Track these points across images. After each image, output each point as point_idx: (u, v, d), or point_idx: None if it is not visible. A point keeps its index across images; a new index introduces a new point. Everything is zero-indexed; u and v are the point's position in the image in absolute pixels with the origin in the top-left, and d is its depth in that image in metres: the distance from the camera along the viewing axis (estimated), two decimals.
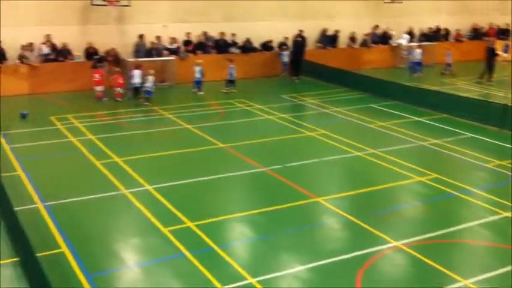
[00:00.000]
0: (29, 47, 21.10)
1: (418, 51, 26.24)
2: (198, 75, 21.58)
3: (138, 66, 20.54)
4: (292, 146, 15.40)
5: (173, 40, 23.81)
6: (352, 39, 28.03)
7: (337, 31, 27.50)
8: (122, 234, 10.01)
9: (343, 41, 27.92)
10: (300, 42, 25.16)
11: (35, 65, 20.92)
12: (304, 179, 12.69)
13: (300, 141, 15.83)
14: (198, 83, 21.64)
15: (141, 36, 23.04)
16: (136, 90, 20.29)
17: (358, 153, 14.46)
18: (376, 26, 28.73)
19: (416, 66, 26.10)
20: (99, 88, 20.26)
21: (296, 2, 26.85)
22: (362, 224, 10.29)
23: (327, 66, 24.42)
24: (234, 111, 19.33)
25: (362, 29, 28.30)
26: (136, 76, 20.17)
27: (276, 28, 25.96)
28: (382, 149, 14.68)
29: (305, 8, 27.18)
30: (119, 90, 20.09)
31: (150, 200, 11.23)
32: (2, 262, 8.66)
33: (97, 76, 20.30)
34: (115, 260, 9.08)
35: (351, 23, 28.19)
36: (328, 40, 27.42)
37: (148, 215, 10.50)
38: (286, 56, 25.13)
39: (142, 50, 22.96)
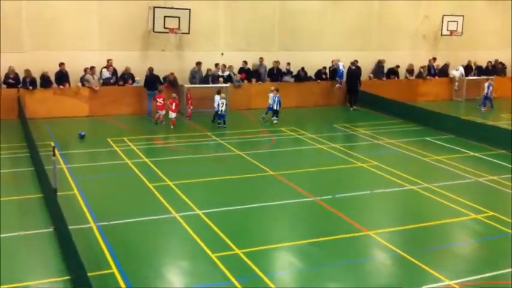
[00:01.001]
0: (91, 70, 21.91)
1: (486, 84, 25.49)
2: (271, 101, 21.75)
3: (218, 91, 21.13)
4: (343, 177, 15.25)
5: (229, 68, 24.23)
6: (409, 71, 27.74)
7: (397, 66, 27.32)
8: (170, 257, 10.10)
9: (400, 72, 27.67)
10: (353, 70, 25.14)
11: (95, 88, 21.70)
12: (354, 211, 12.49)
13: (351, 172, 15.65)
14: (270, 109, 21.79)
15: (198, 63, 23.57)
16: (216, 114, 20.93)
17: (412, 187, 14.13)
18: (434, 59, 28.33)
19: (486, 100, 25.33)
20: (161, 112, 20.68)
21: (353, 33, 26.96)
22: (413, 260, 9.98)
23: (381, 96, 24.25)
24: (286, 139, 19.36)
25: (419, 61, 27.99)
26: (216, 100, 20.75)
27: (331, 58, 26.04)
28: (437, 184, 14.30)
29: (362, 40, 27.24)
30: (173, 116, 20.45)
31: (200, 224, 11.31)
32: (54, 280, 8.89)
33: (160, 100, 20.80)
34: (163, 282, 9.16)
35: (408, 53, 27.99)
36: (384, 71, 27.26)
37: (197, 239, 10.57)
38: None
39: (198, 76, 23.46)
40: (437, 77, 28.03)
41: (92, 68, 21.93)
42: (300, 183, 14.05)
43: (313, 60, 25.71)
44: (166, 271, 9.56)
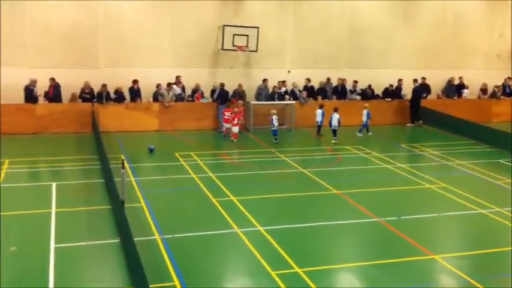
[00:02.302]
0: (168, 86, 22.57)
1: None
2: (364, 118, 22.16)
3: (321, 106, 21.81)
4: (409, 198, 14.84)
5: (295, 85, 24.31)
6: (483, 90, 26.81)
7: (466, 85, 26.54)
8: (231, 273, 10.17)
9: (472, 91, 26.81)
10: (417, 88, 24.79)
11: (166, 104, 22.34)
12: (420, 234, 12.10)
13: (418, 193, 15.20)
14: (365, 126, 22.27)
15: (264, 80, 23.84)
16: (319, 128, 21.69)
17: (482, 211, 13.55)
18: (510, 78, 27.23)
19: None
20: (227, 125, 21.26)
21: (423, 51, 26.48)
22: None
23: (451, 116, 23.54)
24: (351, 157, 19.12)
25: (493, 80, 27.01)
26: (319, 115, 21.61)
27: (399, 76, 25.62)
28: (509, 208, 13.63)
29: (433, 58, 26.66)
30: (234, 130, 20.79)
31: (261, 241, 11.33)
32: None
33: (227, 114, 21.28)
34: None
35: (481, 72, 27.13)
36: (454, 90, 26.50)
37: (258, 256, 10.58)
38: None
39: (264, 93, 23.69)
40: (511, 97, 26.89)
41: (169, 84, 22.62)
42: (364, 203, 13.81)
43: (381, 78, 25.40)
44: (226, 286, 9.62)
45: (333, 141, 20.73)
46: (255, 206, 13.45)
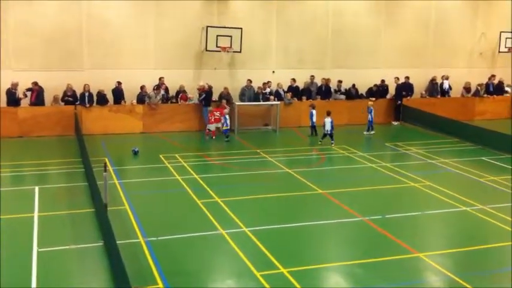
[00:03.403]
0: (157, 89, 22.51)
1: None
2: (370, 116, 22.67)
3: (313, 106, 22.10)
4: (394, 197, 14.90)
5: (278, 85, 24.31)
6: (467, 89, 27.04)
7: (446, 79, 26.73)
8: (216, 274, 10.11)
9: (455, 90, 27.03)
10: (399, 85, 25.08)
11: (154, 106, 22.20)
12: (405, 232, 12.15)
13: (403, 192, 15.28)
14: (370, 124, 22.67)
15: (249, 81, 23.82)
16: (313, 128, 21.90)
17: (466, 208, 13.64)
18: (493, 76, 27.50)
19: None
20: (216, 125, 21.59)
21: (407, 51, 26.66)
22: (466, 285, 9.58)
23: (435, 114, 23.71)
24: (336, 157, 19.17)
25: (476, 78, 27.28)
26: (314, 115, 21.89)
27: (384, 75, 25.77)
28: (492, 205, 13.74)
29: (417, 57, 26.86)
30: (212, 128, 21.29)
31: (246, 242, 11.29)
32: None
33: (217, 114, 21.59)
34: None
35: (465, 71, 27.40)
36: (438, 89, 26.70)
37: (243, 257, 10.54)
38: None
39: (248, 94, 23.67)
40: (495, 95, 27.14)
41: (158, 87, 22.52)
42: (349, 203, 13.84)
43: (366, 78, 25.52)
44: None
45: (320, 142, 20.74)
46: (240, 207, 13.41)
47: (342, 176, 16.90)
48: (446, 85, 26.61)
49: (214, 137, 21.26)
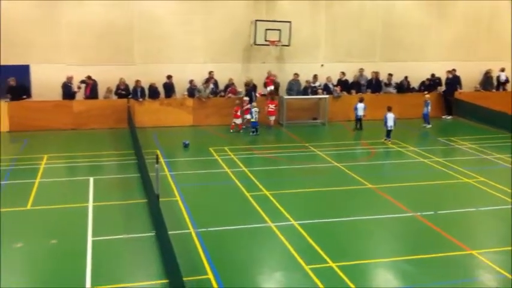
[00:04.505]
0: (206, 82, 22.77)
1: None
2: (426, 109, 22.51)
3: (361, 99, 21.81)
4: (446, 192, 14.57)
5: (328, 79, 24.15)
6: None
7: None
8: (265, 267, 10.18)
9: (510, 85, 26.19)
10: (449, 79, 24.47)
11: (204, 99, 22.50)
12: (457, 229, 11.89)
13: (456, 187, 14.92)
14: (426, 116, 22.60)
15: (296, 75, 23.77)
16: (359, 122, 21.80)
17: None
18: None
19: None
20: (272, 118, 21.99)
21: (459, 44, 25.92)
22: None
23: (489, 109, 22.99)
24: (386, 151, 18.90)
25: None
26: (360, 109, 21.72)
27: (435, 69, 25.20)
28: None
29: (468, 50, 26.09)
30: (237, 121, 21.44)
31: (295, 235, 11.31)
32: (153, 282, 9.28)
33: (272, 106, 21.92)
34: None
35: None
36: (492, 82, 25.92)
37: (292, 250, 10.58)
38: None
39: (295, 88, 23.62)
40: None
41: (208, 80, 22.81)
42: (399, 198, 13.63)
43: (416, 72, 25.02)
44: (260, 280, 9.64)
45: (385, 140, 19.85)
46: (289, 200, 13.44)
47: (392, 171, 16.67)
48: (503, 77, 25.83)
49: (241, 130, 21.43)
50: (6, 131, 20.71)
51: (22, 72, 21.68)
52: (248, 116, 21.34)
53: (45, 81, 21.68)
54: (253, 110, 21.14)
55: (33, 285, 9.12)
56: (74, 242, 10.80)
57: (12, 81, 21.16)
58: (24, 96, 21.40)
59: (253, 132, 21.05)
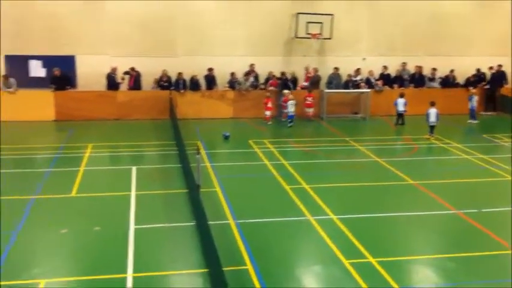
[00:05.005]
0: (247, 75, 22.89)
1: None
2: (472, 104, 22.17)
3: (402, 95, 21.56)
4: (491, 190, 14.21)
5: (370, 73, 23.87)
6: None
7: None
8: (303, 260, 10.17)
9: None
10: (494, 75, 23.84)
11: (243, 92, 22.62)
12: (502, 228, 11.56)
13: (500, 185, 14.52)
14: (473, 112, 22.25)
15: (336, 69, 23.59)
16: (400, 117, 21.41)
17: None
18: None
19: None
20: (310, 110, 21.98)
21: (506, 40, 25.19)
22: None
23: None
24: (429, 147, 18.57)
25: None
26: (400, 104, 21.39)
27: (480, 64, 24.57)
28: None
29: None
30: (267, 113, 21.63)
31: (334, 229, 11.26)
32: (193, 271, 9.41)
33: (310, 99, 21.90)
34: (294, 283, 9.23)
35: None
36: None
37: (331, 244, 10.53)
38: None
39: (335, 82, 23.46)
40: None
41: (248, 73, 22.88)
42: (442, 195, 13.38)
43: (460, 66, 24.46)
44: (298, 273, 9.64)
45: (428, 136, 19.49)
46: (328, 194, 13.37)
47: (435, 167, 16.37)
48: None
49: (270, 122, 21.65)
50: (52, 120, 21.34)
51: (68, 63, 22.28)
52: (290, 109, 21.34)
53: (90, 72, 22.22)
54: (290, 102, 21.11)
55: (76, 271, 9.38)
56: (117, 230, 11.03)
57: (56, 72, 21.75)
58: (68, 87, 21.96)
59: (290, 123, 21.12)
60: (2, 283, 8.76)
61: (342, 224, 11.46)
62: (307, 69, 23.42)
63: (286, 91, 21.80)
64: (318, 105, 22.74)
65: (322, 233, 11.04)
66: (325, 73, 23.87)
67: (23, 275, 9.08)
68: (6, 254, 9.79)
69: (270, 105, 21.81)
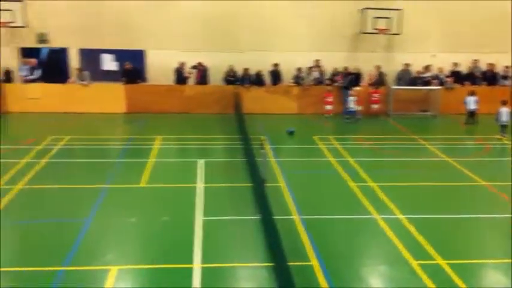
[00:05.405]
0: (309, 70, 22.83)
1: None
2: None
3: (472, 93, 21.13)
4: None
5: (440, 70, 23.19)
6: None
7: None
8: (369, 259, 10.04)
9: None
10: None
11: (306, 87, 22.57)
12: None
13: None
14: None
15: (406, 65, 23.06)
16: (472, 116, 21.01)
17: None
18: None
19: None
20: (375, 106, 21.92)
21: None
22: None
23: None
24: (502, 148, 17.85)
25: None
26: (470, 102, 20.99)
27: None
28: None
29: None
30: (327, 107, 21.89)
31: (401, 229, 11.04)
32: (257, 265, 9.48)
33: (376, 96, 21.92)
34: (361, 283, 9.13)
35: None
36: None
37: (398, 244, 10.33)
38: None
39: (405, 78, 22.92)
40: None
41: (310, 68, 22.80)
42: None
43: None
44: (364, 272, 9.52)
45: (500, 136, 18.81)
46: (395, 193, 13.11)
47: (507, 168, 15.68)
48: None
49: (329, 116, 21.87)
50: (123, 112, 22.06)
51: (138, 57, 22.96)
52: (350, 105, 21.15)
53: (159, 66, 22.80)
54: (350, 98, 20.84)
55: (145, 259, 9.65)
56: (184, 220, 11.26)
57: (127, 65, 22.44)
58: (139, 80, 22.62)
59: (347, 119, 20.99)
60: (76, 268, 9.15)
61: (410, 224, 11.22)
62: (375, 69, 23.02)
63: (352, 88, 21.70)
64: (385, 102, 22.32)
65: (389, 232, 10.86)
66: (391, 70, 23.39)
67: (95, 261, 9.45)
68: (80, 240, 10.22)
69: (330, 99, 21.71)
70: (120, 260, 9.55)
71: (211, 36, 23.15)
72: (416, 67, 23.20)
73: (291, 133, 18.92)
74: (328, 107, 22.01)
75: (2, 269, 9.07)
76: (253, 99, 22.34)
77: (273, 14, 23.25)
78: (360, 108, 21.51)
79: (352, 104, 21.05)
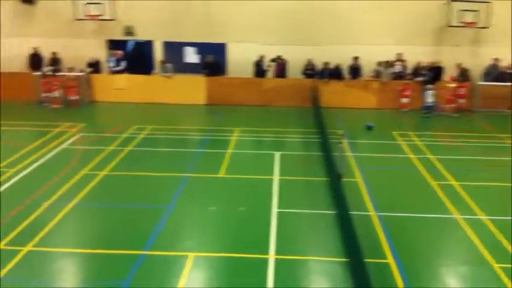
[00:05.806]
0: (386, 64, 22.40)
1: None
2: None
3: None
4: None
5: None
6: None
7: None
8: (448, 259, 9.77)
9: None
10: None
11: (383, 82, 22.15)
12: None
13: None
14: None
15: (495, 59, 22.03)
16: None
17: None
18: None
19: None
20: (462, 101, 21.49)
21: None
22: None
23: None
24: None
25: None
26: None
27: None
28: None
29: None
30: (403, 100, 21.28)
31: (483, 230, 10.64)
32: (332, 259, 9.48)
33: (462, 90, 21.37)
34: (438, 283, 8.91)
35: None
36: None
37: (479, 245, 9.98)
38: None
39: (493, 73, 21.91)
40: None
41: (387, 62, 22.43)
42: None
43: None
44: (442, 272, 9.28)
45: None
46: (478, 193, 12.64)
47: None
48: None
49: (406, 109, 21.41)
50: (203, 104, 22.62)
51: (219, 50, 23.41)
52: (428, 99, 20.62)
53: (239, 59, 23.14)
54: (428, 92, 20.30)
55: (222, 247, 9.89)
56: (260, 212, 11.43)
57: (208, 58, 22.93)
58: (219, 73, 23.07)
59: (425, 114, 20.58)
60: (156, 253, 9.56)
61: (493, 226, 10.80)
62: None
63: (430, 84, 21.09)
64: (469, 98, 21.47)
65: (470, 233, 10.50)
66: (478, 64, 22.42)
67: (174, 246, 9.81)
68: (162, 226, 10.65)
69: (407, 92, 21.38)
70: (198, 247, 9.85)
71: (290, 29, 23.20)
72: (504, 62, 22.10)
73: (369, 128, 18.64)
74: (404, 100, 21.56)
75: (87, 251, 9.63)
76: (331, 93, 22.17)
77: (354, 7, 22.92)
78: (438, 104, 20.85)
79: (430, 98, 20.46)
